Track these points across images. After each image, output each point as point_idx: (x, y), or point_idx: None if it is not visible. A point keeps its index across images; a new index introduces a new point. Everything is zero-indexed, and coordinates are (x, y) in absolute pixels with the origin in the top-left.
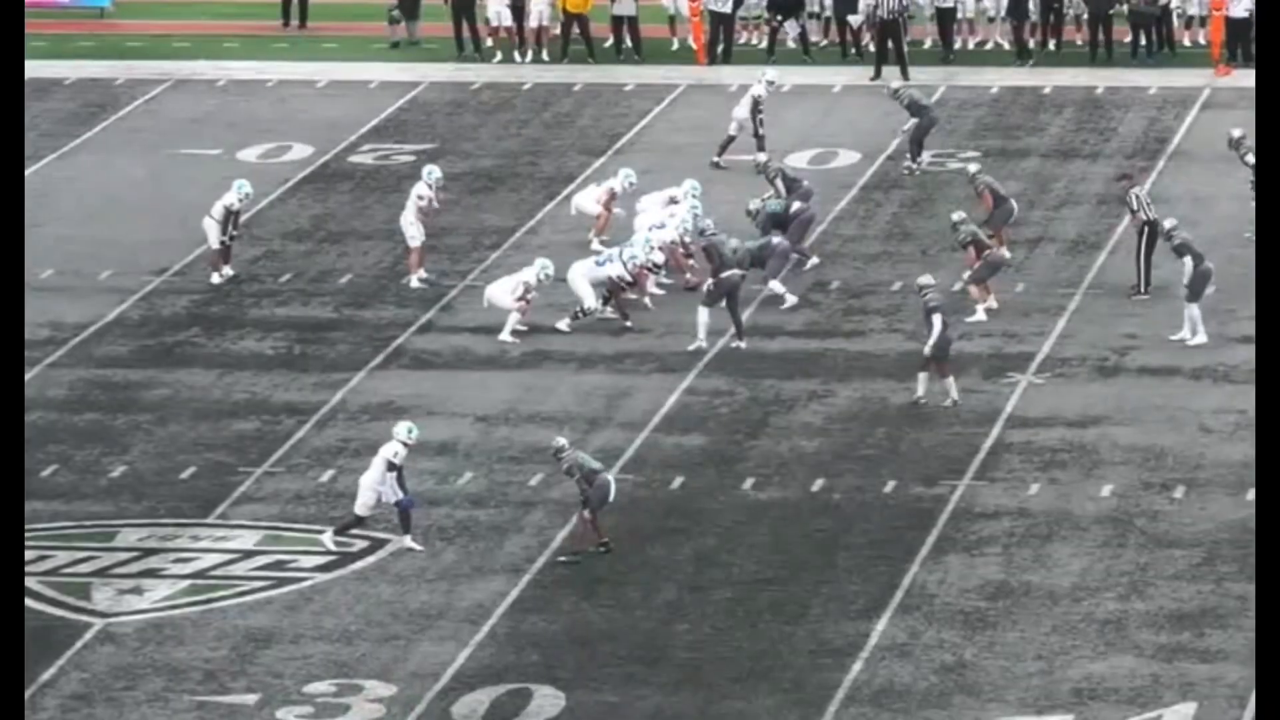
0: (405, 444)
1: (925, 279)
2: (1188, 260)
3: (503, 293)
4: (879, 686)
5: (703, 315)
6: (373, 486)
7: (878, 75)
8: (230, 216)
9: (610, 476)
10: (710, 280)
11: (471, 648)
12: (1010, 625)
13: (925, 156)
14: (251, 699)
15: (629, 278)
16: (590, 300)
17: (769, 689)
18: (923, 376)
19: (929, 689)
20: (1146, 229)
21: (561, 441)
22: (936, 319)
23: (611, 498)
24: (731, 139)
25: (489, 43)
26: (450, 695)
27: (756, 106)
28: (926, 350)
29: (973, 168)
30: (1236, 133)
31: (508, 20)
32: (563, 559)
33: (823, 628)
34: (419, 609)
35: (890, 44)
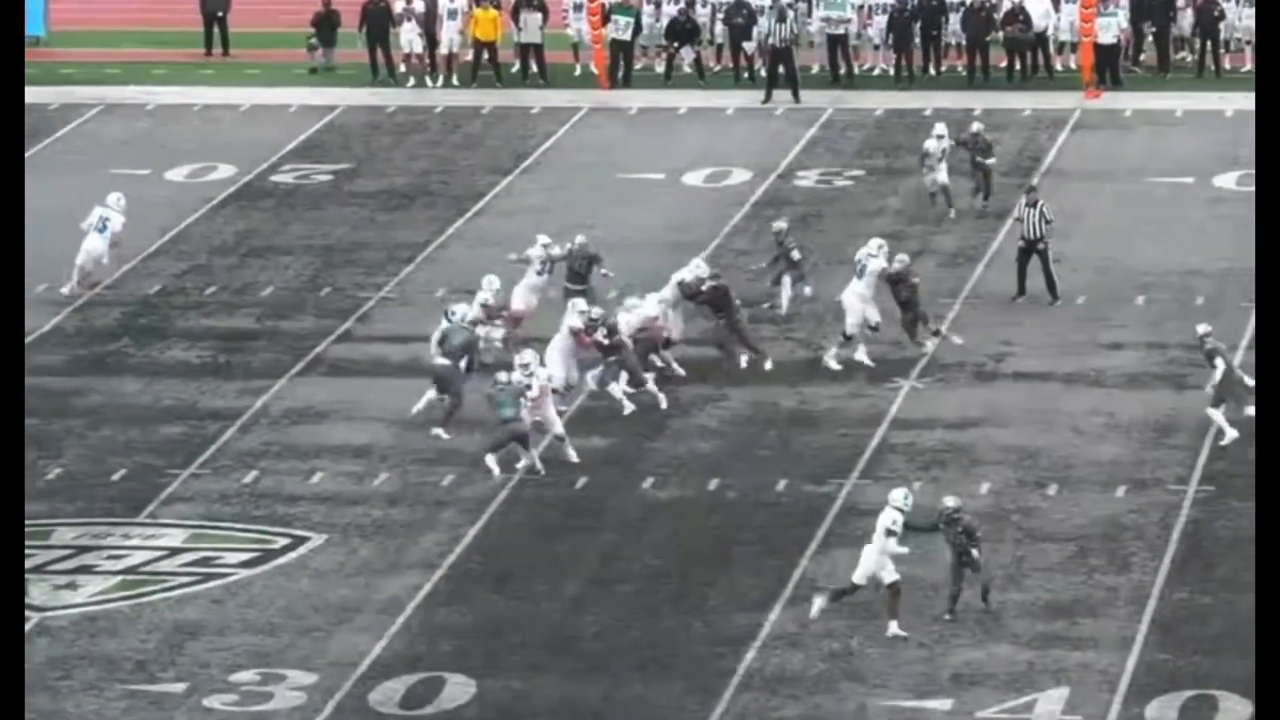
0: (900, 510)
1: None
2: (1219, 363)
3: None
4: (771, 673)
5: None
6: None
7: (768, 99)
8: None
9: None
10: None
11: (387, 638)
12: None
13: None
14: (180, 688)
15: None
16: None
17: (669, 677)
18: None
19: (818, 675)
20: (1024, 243)
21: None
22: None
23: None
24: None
25: (402, 68)
26: (368, 683)
27: None
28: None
29: (779, 224)
30: (975, 126)
31: (419, 47)
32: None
33: (719, 619)
34: (338, 602)
35: (781, 69)
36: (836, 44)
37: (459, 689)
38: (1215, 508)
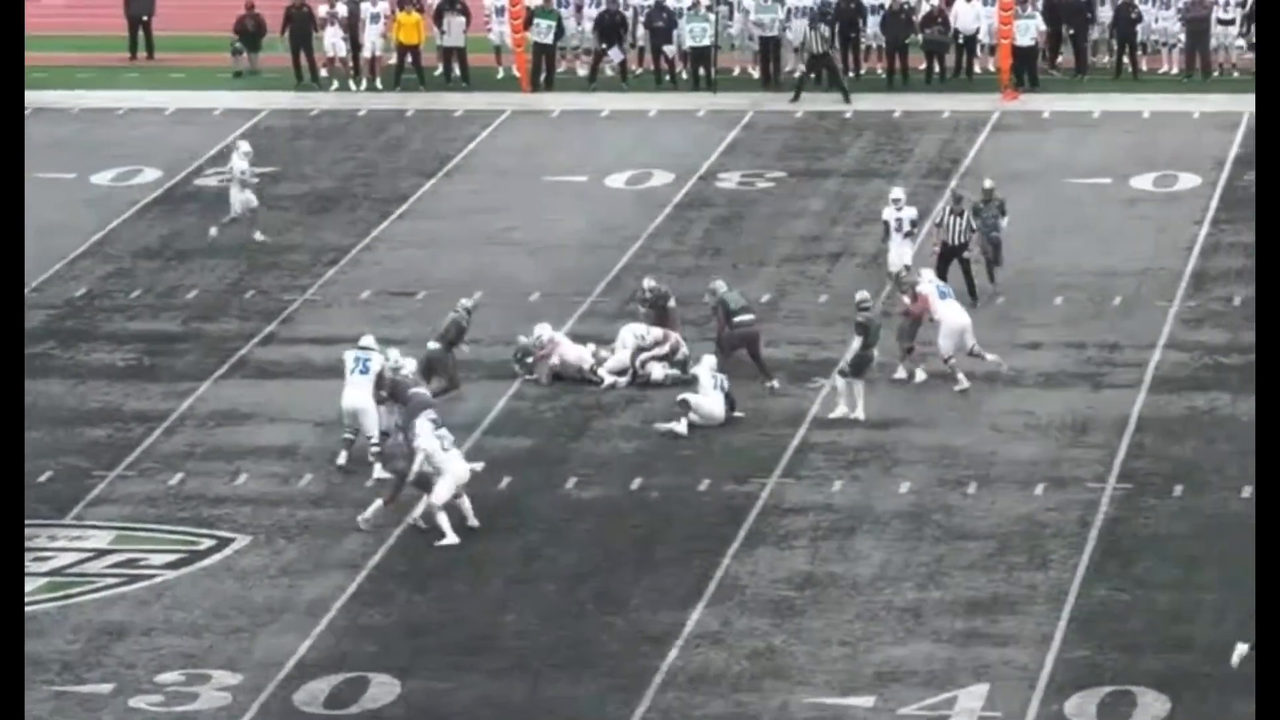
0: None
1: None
2: (856, 341)
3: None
4: (694, 672)
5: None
6: None
7: (797, 98)
8: None
9: None
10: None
11: (312, 639)
12: (816, 613)
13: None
14: (106, 688)
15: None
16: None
17: (592, 675)
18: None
19: (741, 673)
20: (944, 249)
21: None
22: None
23: None
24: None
25: (324, 72)
26: (292, 684)
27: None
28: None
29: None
30: (987, 183)
31: (343, 51)
32: None
33: (641, 617)
34: (263, 603)
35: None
36: (768, 46)
37: (383, 689)
38: (1133, 505)
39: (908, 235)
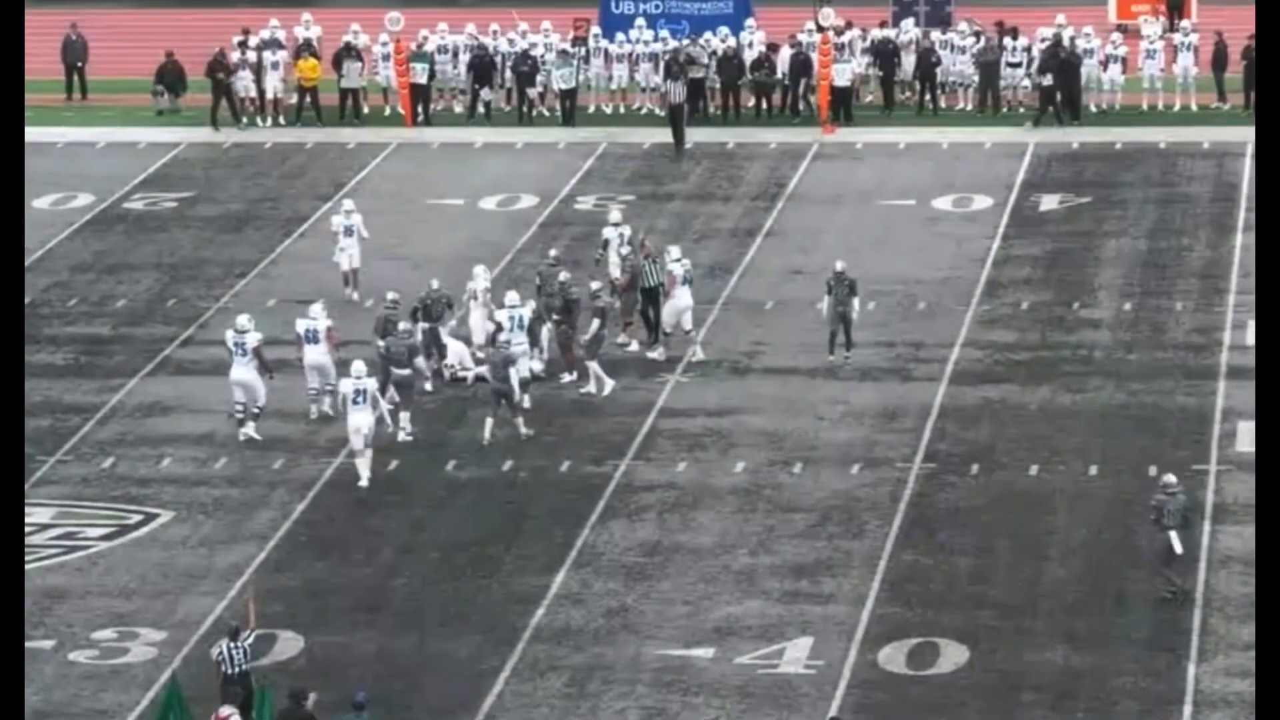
0: None
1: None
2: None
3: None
4: (558, 628)
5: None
6: None
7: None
8: None
9: None
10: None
11: (227, 600)
12: (663, 576)
13: None
14: (49, 644)
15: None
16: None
17: (470, 630)
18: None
19: (598, 629)
20: (644, 292)
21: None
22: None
23: None
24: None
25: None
26: (211, 639)
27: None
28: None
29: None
30: (839, 265)
31: (253, 92)
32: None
33: (512, 581)
34: (185, 569)
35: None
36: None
37: (288, 644)
38: (936, 482)
39: (619, 249)
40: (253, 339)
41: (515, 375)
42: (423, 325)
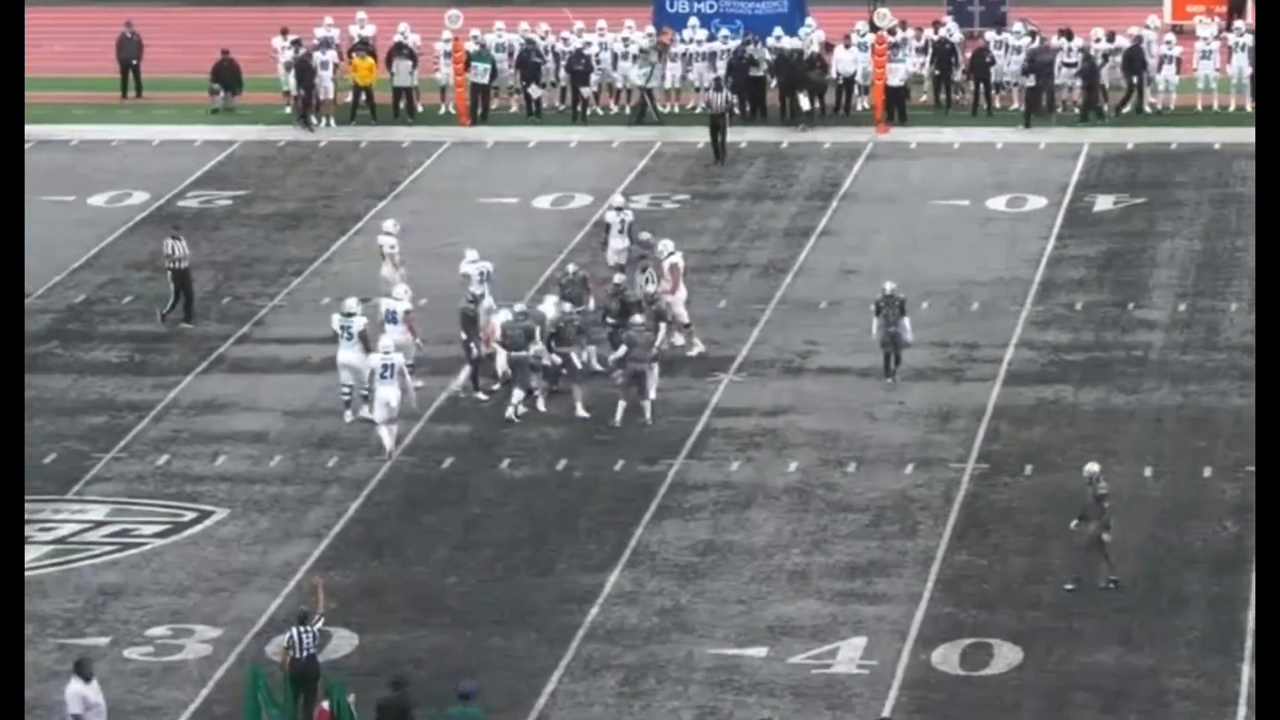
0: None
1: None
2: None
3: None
4: (612, 626)
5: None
6: None
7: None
8: None
9: None
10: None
11: (281, 598)
12: (717, 576)
13: None
14: (104, 641)
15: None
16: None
17: (524, 629)
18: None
19: (652, 628)
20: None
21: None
22: None
23: None
24: None
25: (288, 109)
26: (265, 637)
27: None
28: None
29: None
30: (889, 286)
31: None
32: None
33: (566, 579)
34: (239, 567)
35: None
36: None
37: (343, 641)
38: (989, 482)
39: (621, 233)
40: (359, 322)
41: (575, 356)
42: (565, 307)
